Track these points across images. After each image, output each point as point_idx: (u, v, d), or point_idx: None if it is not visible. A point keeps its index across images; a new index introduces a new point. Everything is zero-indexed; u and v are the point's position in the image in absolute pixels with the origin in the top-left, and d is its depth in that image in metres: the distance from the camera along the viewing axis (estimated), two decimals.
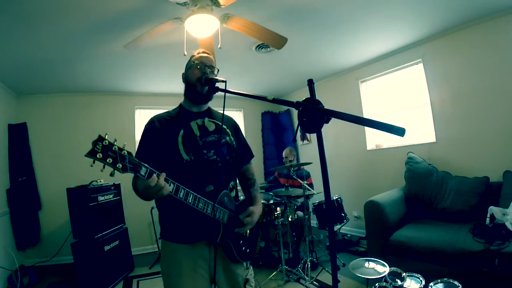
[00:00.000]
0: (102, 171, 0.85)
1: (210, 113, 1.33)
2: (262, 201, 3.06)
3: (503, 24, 2.53)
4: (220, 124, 1.27)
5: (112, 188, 3.24)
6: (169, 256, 1.18)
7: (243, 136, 1.45)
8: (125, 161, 0.87)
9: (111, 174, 0.85)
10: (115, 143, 0.86)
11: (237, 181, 1.42)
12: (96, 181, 3.18)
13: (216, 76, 1.24)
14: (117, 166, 0.85)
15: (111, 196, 3.20)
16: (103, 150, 0.83)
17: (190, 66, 1.26)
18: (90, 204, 2.84)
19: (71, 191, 2.95)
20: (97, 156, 0.82)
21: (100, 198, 3.00)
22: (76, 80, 3.49)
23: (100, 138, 0.83)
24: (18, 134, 3.53)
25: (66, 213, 2.97)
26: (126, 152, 0.88)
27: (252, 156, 1.47)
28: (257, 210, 1.30)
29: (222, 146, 1.24)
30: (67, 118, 3.86)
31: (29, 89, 3.59)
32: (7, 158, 3.37)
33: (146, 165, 0.92)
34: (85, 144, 0.84)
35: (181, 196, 1.02)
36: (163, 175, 0.95)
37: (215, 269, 1.15)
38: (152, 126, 1.19)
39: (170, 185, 0.98)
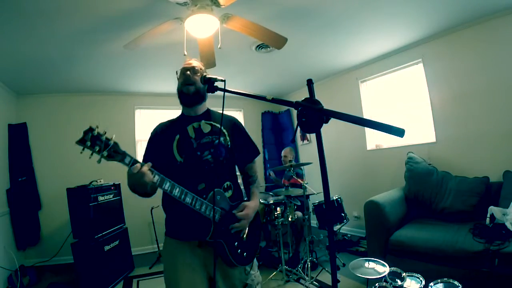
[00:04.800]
0: (90, 158, 0.92)
1: (208, 115, 1.35)
2: (262, 201, 3.09)
3: (503, 24, 2.53)
4: (216, 125, 1.31)
5: (112, 188, 3.24)
6: (166, 250, 1.26)
7: (247, 134, 1.43)
8: (111, 150, 0.93)
9: (98, 161, 0.92)
10: (104, 134, 0.93)
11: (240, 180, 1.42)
12: (96, 181, 3.17)
13: (206, 73, 1.28)
14: (103, 153, 0.91)
15: (111, 196, 3.20)
16: (92, 139, 0.89)
17: (178, 77, 1.35)
18: (90, 204, 2.84)
19: (71, 191, 2.94)
20: (86, 144, 0.88)
21: (100, 198, 2.99)
22: (77, 80, 3.49)
23: (90, 129, 0.89)
24: (18, 134, 3.53)
25: (66, 213, 2.96)
26: (112, 142, 0.94)
27: (257, 153, 1.45)
28: (252, 204, 1.30)
29: (216, 147, 1.26)
30: (67, 118, 3.85)
31: (29, 89, 3.59)
32: (7, 158, 3.37)
33: (131, 155, 1.00)
34: None
35: (166, 188, 1.06)
36: (149, 164, 1.01)
37: (214, 269, 1.14)
38: (154, 133, 1.33)
39: (154, 176, 1.02)
